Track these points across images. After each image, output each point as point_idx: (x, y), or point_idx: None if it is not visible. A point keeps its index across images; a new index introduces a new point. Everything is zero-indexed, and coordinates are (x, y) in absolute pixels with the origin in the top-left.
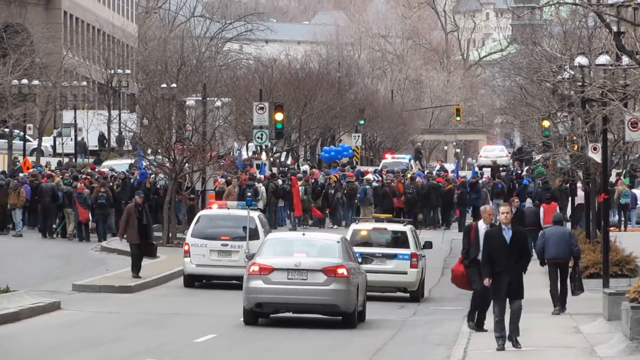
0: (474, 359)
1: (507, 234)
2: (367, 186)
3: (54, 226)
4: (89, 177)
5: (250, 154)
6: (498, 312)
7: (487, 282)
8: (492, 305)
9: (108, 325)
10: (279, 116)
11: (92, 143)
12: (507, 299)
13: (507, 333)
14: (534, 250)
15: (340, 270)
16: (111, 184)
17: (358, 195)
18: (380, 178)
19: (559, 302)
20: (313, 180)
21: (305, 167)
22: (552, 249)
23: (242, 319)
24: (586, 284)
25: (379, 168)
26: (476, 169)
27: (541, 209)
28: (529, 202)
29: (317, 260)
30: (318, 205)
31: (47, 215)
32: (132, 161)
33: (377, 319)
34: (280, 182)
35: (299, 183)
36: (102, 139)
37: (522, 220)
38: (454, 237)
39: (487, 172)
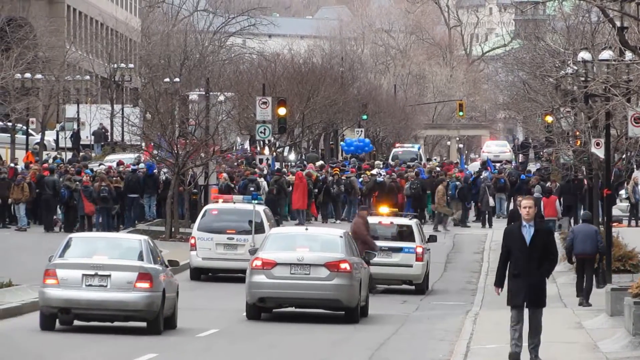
0: (477, 354)
1: (528, 233)
2: (457, 182)
3: (55, 218)
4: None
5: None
6: (515, 318)
7: (496, 291)
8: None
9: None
10: (282, 111)
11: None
12: (526, 308)
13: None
14: None
15: (343, 265)
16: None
17: (449, 192)
18: (384, 173)
19: (583, 294)
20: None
21: (319, 163)
22: (579, 245)
23: (244, 314)
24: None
25: (389, 160)
26: (468, 166)
27: (541, 203)
28: (537, 192)
29: (320, 255)
30: (320, 200)
31: (50, 210)
32: (137, 155)
33: (380, 313)
34: (288, 177)
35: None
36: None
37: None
38: (456, 232)
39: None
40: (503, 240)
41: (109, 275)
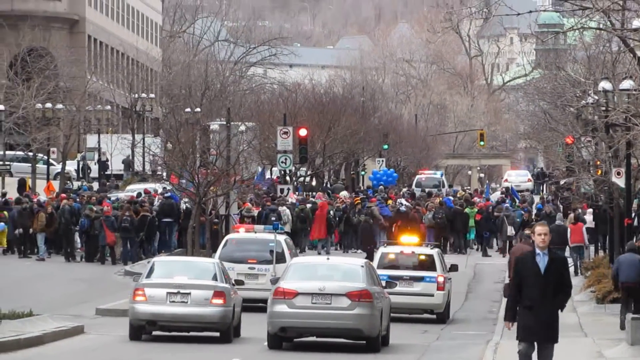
0: None
1: (542, 261)
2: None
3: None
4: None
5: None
6: (524, 354)
7: (507, 326)
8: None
9: (132, 349)
10: (302, 132)
11: (116, 167)
12: (537, 341)
13: None
14: None
15: (364, 295)
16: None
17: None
18: (404, 203)
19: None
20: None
21: (344, 193)
22: (624, 273)
23: (266, 343)
24: (609, 309)
25: (412, 186)
26: (491, 195)
27: (568, 229)
28: (559, 220)
29: (341, 285)
30: (341, 230)
31: (68, 238)
32: (158, 186)
33: (401, 343)
34: (309, 205)
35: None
36: (127, 163)
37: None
38: (477, 262)
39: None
40: (514, 268)
41: (189, 293)
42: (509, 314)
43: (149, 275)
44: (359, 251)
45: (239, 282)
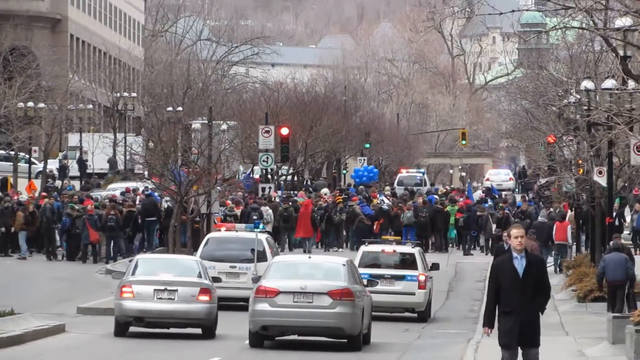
0: None
1: (520, 264)
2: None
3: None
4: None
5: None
6: (508, 359)
7: (486, 332)
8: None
9: (112, 348)
10: (284, 131)
11: (97, 166)
12: (519, 347)
13: None
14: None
15: (345, 294)
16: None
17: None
18: (386, 201)
19: None
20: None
21: (325, 190)
22: (611, 272)
23: (247, 342)
24: (591, 307)
25: (394, 185)
26: (473, 194)
27: (554, 226)
28: (542, 217)
29: (323, 284)
30: (322, 228)
31: (50, 237)
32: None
33: (382, 342)
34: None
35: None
36: (112, 162)
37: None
38: (458, 261)
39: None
40: (491, 274)
41: (176, 290)
42: (487, 319)
43: (134, 272)
44: (340, 250)
45: (216, 280)
